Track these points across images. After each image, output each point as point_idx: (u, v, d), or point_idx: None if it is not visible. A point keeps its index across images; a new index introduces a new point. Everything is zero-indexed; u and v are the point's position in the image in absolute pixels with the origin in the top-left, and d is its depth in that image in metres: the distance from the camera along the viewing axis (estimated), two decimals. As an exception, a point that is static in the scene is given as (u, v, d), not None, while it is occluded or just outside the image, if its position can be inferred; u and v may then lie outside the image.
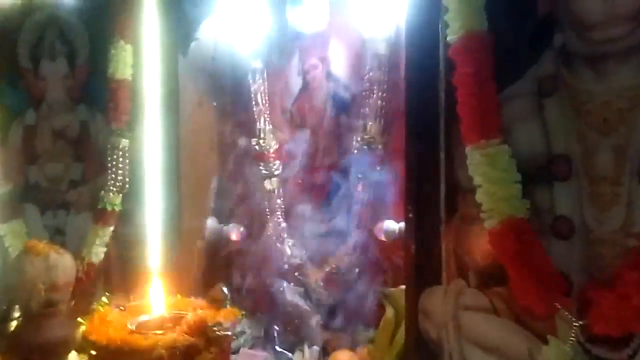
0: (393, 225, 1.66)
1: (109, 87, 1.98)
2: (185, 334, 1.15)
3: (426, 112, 1.37)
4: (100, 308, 1.33)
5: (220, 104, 2.14)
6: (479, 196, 1.14)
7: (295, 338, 1.82)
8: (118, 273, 2.05)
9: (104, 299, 1.71)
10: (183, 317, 1.25)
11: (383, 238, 1.69)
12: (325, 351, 1.77)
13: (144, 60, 1.98)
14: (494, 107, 1.13)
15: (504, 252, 1.09)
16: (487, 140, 1.12)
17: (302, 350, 1.76)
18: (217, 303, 1.34)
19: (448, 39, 1.20)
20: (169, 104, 2.00)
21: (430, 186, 1.37)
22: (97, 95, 2.08)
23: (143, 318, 1.29)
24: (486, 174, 1.12)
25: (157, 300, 1.31)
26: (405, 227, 1.45)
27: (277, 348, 1.76)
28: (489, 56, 1.15)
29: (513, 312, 1.19)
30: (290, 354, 1.75)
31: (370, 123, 1.75)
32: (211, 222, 2.11)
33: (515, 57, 1.15)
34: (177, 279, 1.87)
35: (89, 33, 2.09)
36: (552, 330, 1.09)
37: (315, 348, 1.74)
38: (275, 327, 1.83)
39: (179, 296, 1.38)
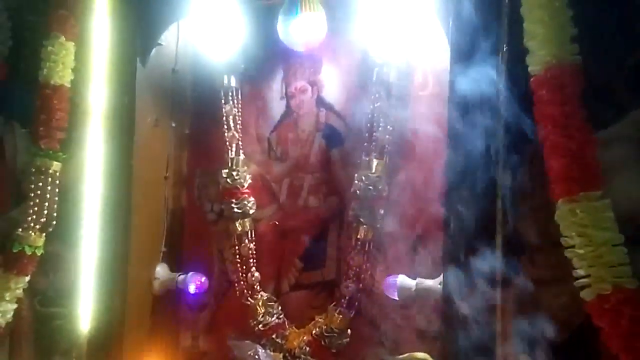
0: (408, 282, 1.41)
1: (40, 94, 1.52)
2: None
3: (473, 154, 1.17)
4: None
5: (180, 124, 1.78)
6: (575, 260, 0.94)
7: (274, 417, 1.47)
8: (31, 338, 1.54)
9: None
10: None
11: (394, 295, 1.43)
12: None
13: (90, 64, 1.56)
14: (592, 151, 0.96)
15: (613, 329, 0.90)
16: (586, 193, 0.94)
17: None
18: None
19: (530, 69, 1.02)
20: (120, 120, 1.59)
21: (478, 240, 1.16)
22: (17, 104, 1.60)
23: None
24: (585, 233, 0.93)
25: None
26: (445, 287, 1.22)
27: None
28: (581, 92, 0.98)
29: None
30: None
31: (375, 160, 1.51)
32: (162, 270, 1.70)
33: (611, 98, 1.00)
34: (122, 343, 1.45)
35: (12, 24, 1.62)
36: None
37: None
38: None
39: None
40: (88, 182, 1.55)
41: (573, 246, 0.95)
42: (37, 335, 1.56)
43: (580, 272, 0.94)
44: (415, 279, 1.42)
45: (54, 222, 1.53)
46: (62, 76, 1.53)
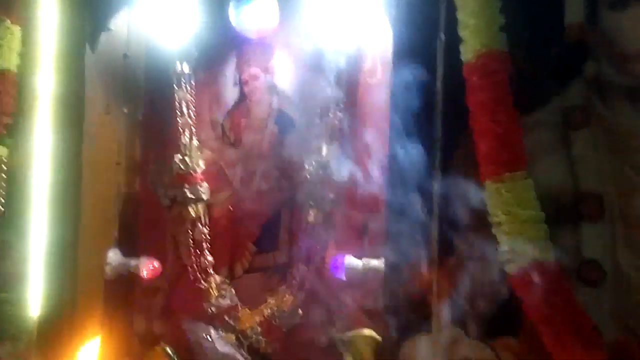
0: (355, 262, 1.46)
1: (-15, 77, 1.50)
2: None
3: (414, 136, 1.23)
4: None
5: (132, 110, 1.77)
6: (500, 236, 1.01)
7: (227, 397, 1.51)
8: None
9: None
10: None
11: (342, 276, 1.48)
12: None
13: (38, 49, 1.54)
14: (517, 135, 1.02)
15: (532, 300, 0.97)
16: (512, 174, 1.00)
17: (237, 412, 1.45)
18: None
19: (463, 57, 1.07)
20: (70, 106, 1.59)
21: (418, 222, 1.22)
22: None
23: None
24: (510, 212, 0.99)
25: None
26: (386, 266, 1.27)
27: (205, 412, 1.43)
28: (508, 79, 1.05)
29: (525, 366, 1.07)
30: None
31: (325, 145, 1.55)
32: (114, 255, 1.70)
33: (536, 84, 1.06)
34: (74, 328, 1.46)
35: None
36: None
37: (252, 407, 1.45)
38: (201, 385, 1.50)
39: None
40: (36, 168, 1.54)
41: (499, 224, 1.01)
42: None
43: (505, 247, 1.00)
44: (362, 260, 1.47)
45: (1, 209, 1.51)
46: (8, 60, 1.50)
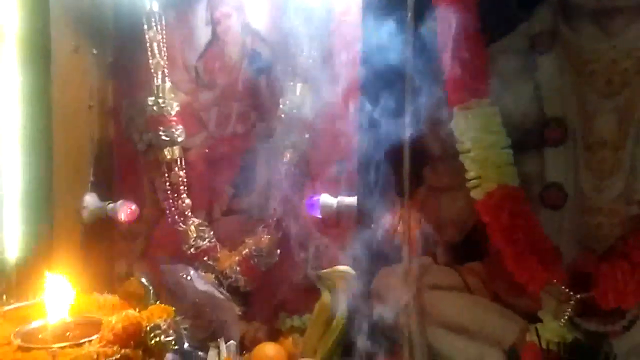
0: (330, 200, 1.48)
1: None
2: (113, 343, 0.83)
3: (385, 67, 1.22)
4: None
5: (101, 52, 1.73)
6: (467, 163, 1.02)
7: (207, 333, 1.54)
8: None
9: None
10: (96, 322, 0.92)
11: (317, 214, 1.49)
12: (243, 345, 1.53)
13: (-2, -17, 1.49)
14: (482, 62, 1.02)
15: (496, 223, 0.99)
16: (477, 100, 1.01)
17: (217, 347, 1.49)
18: (136, 299, 1.02)
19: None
20: (36, 46, 1.54)
21: (388, 154, 1.23)
22: None
23: (34, 326, 0.92)
24: (476, 138, 1.00)
25: (54, 299, 0.95)
26: (359, 201, 1.29)
27: (186, 347, 1.46)
28: (475, 4, 1.03)
29: (489, 289, 1.11)
30: (201, 353, 1.47)
31: (299, 84, 1.53)
32: (90, 199, 1.70)
33: (502, 9, 1.05)
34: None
35: None
36: (535, 307, 1.03)
37: (233, 342, 1.49)
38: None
39: (76, 293, 1.02)
40: (4, 109, 1.50)
41: (466, 150, 1.02)
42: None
43: (472, 173, 1.02)
44: (336, 198, 1.49)
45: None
46: (-33, -4, 1.44)
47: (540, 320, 1.02)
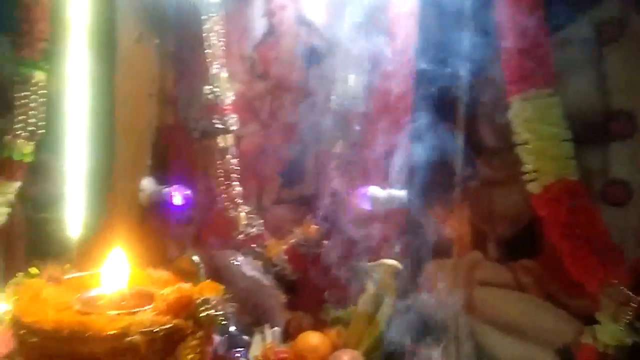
0: (379, 193, 1.47)
1: (20, 3, 1.53)
2: (165, 313, 0.86)
3: (441, 57, 1.20)
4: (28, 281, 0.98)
5: (163, 42, 1.79)
6: (524, 155, 0.99)
7: (253, 318, 1.57)
8: (25, 241, 1.63)
9: (32, 270, 1.32)
10: (149, 294, 0.95)
11: (365, 206, 1.49)
12: (288, 333, 1.54)
13: (70, -26, 1.57)
14: (546, 51, 0.99)
15: (553, 219, 0.95)
16: (538, 90, 0.97)
17: (262, 332, 1.51)
18: (187, 276, 1.05)
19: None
20: (103, 35, 1.62)
21: (440, 146, 1.21)
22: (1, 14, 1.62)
23: (93, 294, 0.96)
24: (535, 129, 0.97)
25: (112, 271, 0.99)
26: (409, 194, 1.27)
27: (232, 330, 1.50)
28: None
29: (542, 288, 1.07)
30: (247, 337, 1.50)
31: (352, 75, 1.53)
32: (148, 183, 1.77)
33: (568, -1, 1.01)
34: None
35: None
36: (592, 308, 0.98)
37: (278, 329, 1.51)
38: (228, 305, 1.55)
39: (132, 267, 1.06)
40: (72, 94, 1.59)
41: (523, 142, 1.00)
42: (31, 239, 1.65)
43: (529, 166, 0.99)
44: (386, 190, 1.48)
45: (42, 132, 1.58)
46: (42, -14, 1.53)
47: (597, 322, 0.98)
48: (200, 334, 0.89)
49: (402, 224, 1.38)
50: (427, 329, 1.23)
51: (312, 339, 1.46)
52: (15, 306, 0.87)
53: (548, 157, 0.97)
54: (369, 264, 1.45)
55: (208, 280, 1.01)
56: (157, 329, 0.83)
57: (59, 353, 0.81)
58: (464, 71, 1.13)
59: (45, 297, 0.92)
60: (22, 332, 0.84)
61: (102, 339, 0.80)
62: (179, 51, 1.82)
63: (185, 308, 0.87)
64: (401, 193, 1.41)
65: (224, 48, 1.72)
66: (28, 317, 0.84)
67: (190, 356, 0.88)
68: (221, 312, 0.90)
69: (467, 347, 1.12)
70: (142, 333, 0.82)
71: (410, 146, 1.29)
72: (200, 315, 0.87)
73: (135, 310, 0.88)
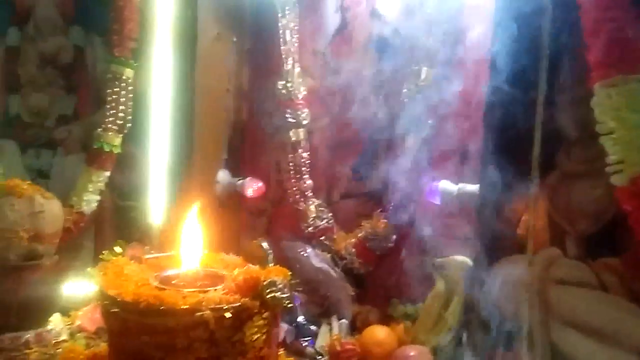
0: (450, 187, 1.43)
1: (113, 5, 1.66)
2: (234, 292, 0.90)
3: (518, 46, 1.15)
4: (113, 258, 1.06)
5: (240, 39, 1.86)
6: (609, 145, 0.92)
7: (320, 309, 1.59)
8: (112, 226, 1.76)
9: (117, 248, 1.43)
10: (220, 275, 0.99)
11: (436, 201, 1.46)
12: (355, 326, 1.55)
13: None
14: (632, 33, 0.91)
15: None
16: (626, 76, 0.91)
17: (329, 324, 1.53)
18: (256, 260, 1.09)
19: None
20: (184, 33, 1.71)
21: (517, 138, 1.15)
22: (95, 16, 1.76)
23: (169, 273, 1.02)
24: (622, 117, 0.90)
25: (187, 253, 1.05)
26: (481, 189, 1.23)
27: (300, 320, 1.52)
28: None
29: (627, 288, 0.99)
30: (314, 327, 1.52)
31: (424, 68, 1.51)
32: (223, 175, 1.84)
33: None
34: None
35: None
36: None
37: (345, 322, 1.52)
38: (297, 296, 1.59)
39: (206, 251, 1.11)
40: (156, 89, 1.69)
41: (608, 132, 0.93)
42: (118, 225, 1.78)
43: (614, 157, 0.92)
44: (457, 185, 1.44)
45: (129, 125, 1.70)
46: (132, -12, 1.65)
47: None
48: (266, 314, 0.91)
49: (474, 219, 1.33)
50: (498, 328, 1.18)
51: (379, 332, 1.45)
52: (101, 280, 0.94)
53: (636, 147, 0.90)
54: (438, 260, 1.42)
55: (276, 266, 1.03)
56: (226, 307, 0.86)
57: (136, 324, 0.87)
58: (542, 60, 1.07)
59: (127, 274, 0.98)
60: (105, 302, 0.91)
61: (176, 313, 0.85)
62: (255, 48, 1.88)
63: (253, 289, 0.90)
64: (473, 187, 1.36)
65: (298, 44, 1.76)
66: (111, 290, 0.90)
67: (256, 335, 0.90)
68: (287, 295, 0.92)
69: (542, 347, 1.06)
70: (211, 309, 0.86)
71: (484, 139, 1.24)
72: (267, 296, 0.90)
73: (206, 289, 0.93)
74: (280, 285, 0.93)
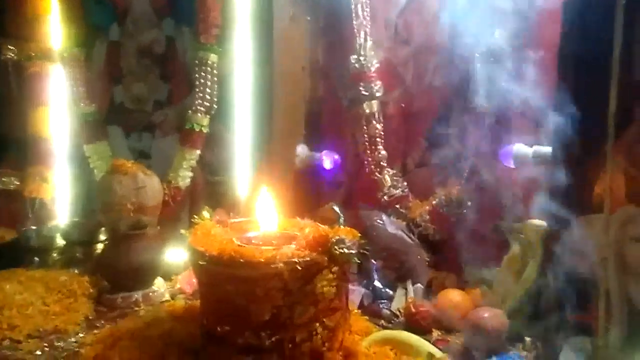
0: (524, 150, 1.41)
1: (199, -5, 1.81)
2: (305, 248, 0.99)
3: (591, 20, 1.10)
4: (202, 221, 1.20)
5: (314, 18, 1.93)
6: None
7: (396, 274, 1.64)
8: (204, 199, 1.93)
9: (205, 213, 1.60)
10: (294, 235, 1.09)
11: (510, 164, 1.45)
12: (430, 290, 1.58)
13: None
14: None
15: None
16: None
17: (405, 288, 1.58)
18: (328, 223, 1.17)
19: None
20: (261, 16, 1.81)
21: (591, 92, 1.12)
22: (184, 8, 1.92)
23: (250, 234, 1.14)
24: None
25: (265, 216, 1.16)
26: (554, 149, 1.21)
27: (376, 284, 1.59)
28: None
29: None
30: (390, 291, 1.58)
31: (497, 30, 1.48)
32: (302, 149, 1.94)
33: None
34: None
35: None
36: None
37: (420, 286, 1.56)
38: (373, 261, 1.65)
39: (283, 216, 1.21)
40: (238, 72, 1.82)
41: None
42: (209, 198, 1.95)
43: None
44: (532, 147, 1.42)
45: (215, 106, 1.85)
46: (213, -20, 1.78)
47: None
48: (335, 269, 0.99)
49: (549, 181, 1.31)
50: (575, 288, 1.17)
51: (454, 296, 1.48)
52: (191, 239, 1.08)
53: None
54: (513, 224, 1.42)
55: (346, 227, 1.10)
56: (297, 260, 0.95)
57: (221, 275, 0.99)
58: (617, 9, 1.03)
59: (213, 234, 1.11)
60: (195, 257, 1.04)
61: (253, 265, 0.96)
62: (329, 25, 1.94)
63: (322, 245, 0.99)
64: (548, 149, 1.34)
65: (369, 17, 1.79)
66: (200, 246, 1.03)
67: (326, 288, 0.99)
68: (354, 252, 0.99)
69: (619, 305, 1.05)
70: (285, 263, 0.95)
71: (558, 95, 1.21)
72: (335, 252, 0.98)
73: (281, 246, 1.03)
74: (349, 243, 1.00)
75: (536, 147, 1.40)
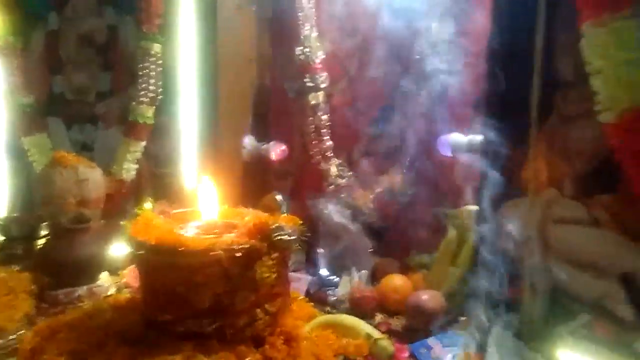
0: (461, 139, 1.48)
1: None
2: (245, 236, 1.00)
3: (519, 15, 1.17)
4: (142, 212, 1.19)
5: (260, 8, 1.94)
6: (597, 84, 0.95)
7: (341, 262, 1.68)
8: (149, 191, 1.91)
9: (146, 204, 1.58)
10: (235, 224, 1.10)
11: (447, 153, 1.51)
12: (374, 277, 1.63)
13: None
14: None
15: (627, 148, 0.91)
16: (613, 14, 0.93)
17: (350, 275, 1.62)
18: (271, 212, 1.19)
19: None
20: (206, 6, 1.80)
21: (516, 83, 1.18)
22: (126, -4, 1.89)
23: (191, 224, 1.14)
24: (609, 55, 0.93)
25: (207, 206, 1.16)
26: (485, 137, 1.27)
27: (322, 272, 1.63)
28: None
29: (619, 224, 1.03)
30: (336, 278, 1.62)
31: (434, 24, 1.54)
32: (249, 141, 1.95)
33: None
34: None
35: None
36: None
37: (364, 272, 1.61)
38: (319, 250, 1.69)
39: (226, 206, 1.22)
40: (183, 62, 1.81)
41: (596, 71, 0.96)
42: (154, 190, 1.93)
43: (601, 95, 0.95)
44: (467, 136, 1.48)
45: (160, 97, 1.82)
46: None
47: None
48: (275, 255, 1.02)
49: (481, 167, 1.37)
50: (504, 268, 1.24)
51: (396, 280, 1.54)
52: (131, 229, 1.07)
53: (623, 84, 0.92)
54: (451, 210, 1.48)
55: (287, 215, 1.12)
56: (237, 247, 0.97)
57: (160, 264, 1.00)
58: (540, 5, 1.09)
59: (154, 224, 1.11)
60: (134, 247, 1.04)
61: (193, 253, 0.97)
62: (275, 17, 1.95)
63: (262, 232, 1.01)
64: (480, 137, 1.41)
65: (315, 9, 1.81)
66: (139, 236, 1.03)
67: (267, 274, 1.01)
68: (294, 239, 1.02)
69: (543, 284, 1.12)
70: (224, 250, 0.97)
71: (486, 86, 1.27)
72: (274, 238, 1.00)
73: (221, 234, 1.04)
74: (288, 230, 1.02)
75: (471, 136, 1.46)
